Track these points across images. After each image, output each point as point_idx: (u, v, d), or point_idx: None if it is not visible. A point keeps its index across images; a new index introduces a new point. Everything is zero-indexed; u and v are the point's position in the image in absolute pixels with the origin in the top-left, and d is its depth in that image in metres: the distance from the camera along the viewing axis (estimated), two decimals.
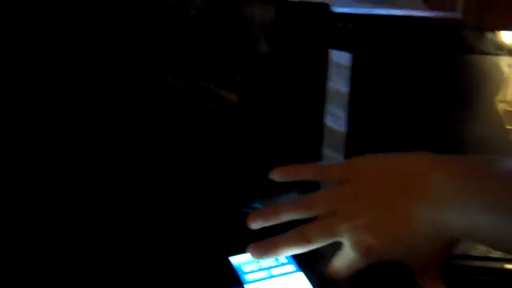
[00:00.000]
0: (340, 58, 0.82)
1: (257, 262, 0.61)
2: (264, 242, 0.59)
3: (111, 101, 0.83)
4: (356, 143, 0.77)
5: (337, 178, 0.61)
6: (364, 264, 0.58)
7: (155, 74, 0.85)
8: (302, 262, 0.62)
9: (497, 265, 0.71)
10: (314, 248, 0.58)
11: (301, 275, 0.60)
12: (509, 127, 0.81)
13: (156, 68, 0.85)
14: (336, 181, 0.61)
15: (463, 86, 0.82)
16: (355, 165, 0.61)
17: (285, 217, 0.60)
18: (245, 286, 0.59)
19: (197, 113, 0.84)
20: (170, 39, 0.84)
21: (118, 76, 0.83)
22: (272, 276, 0.60)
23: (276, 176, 0.64)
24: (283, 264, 0.62)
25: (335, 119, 0.81)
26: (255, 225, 0.60)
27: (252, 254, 0.59)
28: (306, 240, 0.57)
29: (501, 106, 0.81)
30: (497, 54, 0.81)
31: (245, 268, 0.61)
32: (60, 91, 0.80)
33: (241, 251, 0.62)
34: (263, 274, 0.60)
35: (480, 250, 0.72)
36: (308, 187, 0.66)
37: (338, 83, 0.82)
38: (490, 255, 0.72)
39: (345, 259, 0.58)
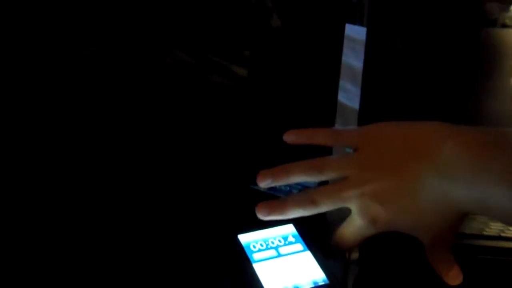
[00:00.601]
0: (354, 32, 0.81)
1: (265, 241, 0.61)
2: (272, 201, 0.59)
3: (124, 75, 0.82)
4: (369, 119, 0.76)
5: (350, 144, 0.61)
6: (370, 233, 0.58)
7: (166, 50, 0.84)
8: (310, 242, 0.61)
9: (510, 244, 0.70)
10: (321, 211, 0.58)
11: (308, 254, 0.60)
12: None
13: (167, 44, 0.84)
14: (348, 148, 0.61)
15: (481, 60, 0.80)
16: (368, 132, 0.60)
17: (295, 178, 0.60)
18: (253, 264, 0.58)
19: (208, 87, 0.83)
20: (181, 14, 0.83)
21: (131, 52, 0.83)
22: (280, 255, 0.60)
23: (290, 138, 0.63)
24: (291, 243, 0.61)
25: (348, 95, 0.80)
26: (264, 183, 0.60)
27: (259, 213, 0.58)
28: (313, 203, 0.57)
29: None
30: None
31: (253, 247, 0.60)
32: (72, 67, 0.80)
33: (250, 229, 0.61)
34: (271, 253, 0.60)
35: (493, 229, 0.71)
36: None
37: (352, 58, 0.81)
38: (503, 234, 0.71)
39: (352, 226, 0.58)
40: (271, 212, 0.59)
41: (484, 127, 0.55)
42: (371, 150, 0.58)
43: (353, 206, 0.57)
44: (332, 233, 0.61)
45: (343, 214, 0.58)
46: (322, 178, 0.59)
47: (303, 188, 0.68)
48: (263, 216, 0.59)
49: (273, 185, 0.60)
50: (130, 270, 0.66)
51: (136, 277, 0.65)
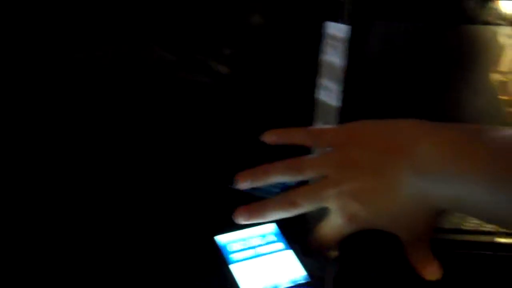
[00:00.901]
0: (335, 30, 0.81)
1: (243, 241, 0.61)
2: (250, 205, 0.59)
3: (104, 74, 0.82)
4: (349, 118, 0.76)
5: (328, 144, 0.60)
6: (348, 231, 0.58)
7: (148, 47, 0.84)
8: (290, 240, 0.61)
9: (488, 239, 0.70)
10: (301, 212, 0.58)
11: (289, 253, 0.60)
12: (503, 97, 0.80)
13: (149, 41, 0.84)
14: (327, 147, 0.60)
15: (461, 57, 0.80)
16: (347, 131, 0.60)
17: (274, 179, 0.60)
18: (230, 266, 0.59)
19: (189, 86, 0.83)
20: (162, 12, 0.83)
21: (113, 50, 0.83)
22: (259, 255, 0.60)
23: (268, 138, 0.63)
24: (272, 242, 0.61)
25: (328, 93, 0.80)
26: (244, 185, 0.60)
27: (239, 217, 0.58)
28: (292, 204, 0.57)
29: (495, 77, 0.79)
30: (498, 24, 0.79)
31: (230, 248, 0.60)
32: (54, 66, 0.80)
33: (227, 230, 0.61)
34: (250, 253, 0.60)
35: (471, 224, 0.71)
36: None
37: (333, 56, 0.81)
38: (481, 228, 0.71)
39: (330, 225, 0.58)
40: (251, 216, 0.59)
41: (462, 124, 0.55)
42: (349, 148, 0.58)
43: (332, 205, 0.57)
44: (312, 231, 0.61)
45: (322, 212, 0.59)
46: (301, 177, 0.59)
47: (282, 186, 0.68)
48: (243, 221, 0.59)
49: (252, 186, 0.60)
50: (107, 271, 0.66)
51: (112, 278, 0.65)
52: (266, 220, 0.59)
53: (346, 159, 0.58)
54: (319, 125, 0.78)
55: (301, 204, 0.57)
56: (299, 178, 0.59)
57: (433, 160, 0.53)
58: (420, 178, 0.53)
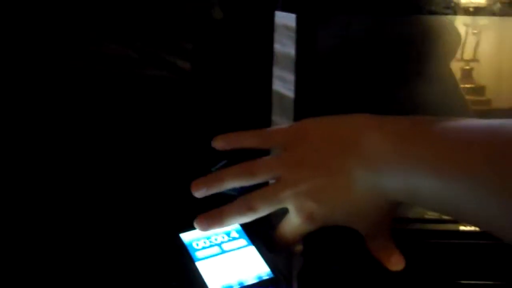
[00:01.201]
0: (285, 19, 0.80)
1: (208, 238, 0.60)
2: (209, 213, 0.59)
3: (59, 70, 0.80)
4: (305, 108, 0.76)
5: (279, 144, 0.60)
6: (308, 230, 0.58)
7: (108, 44, 0.82)
8: (253, 236, 0.60)
9: (452, 227, 0.70)
10: (260, 216, 0.58)
11: (252, 249, 0.59)
12: (468, 85, 0.80)
13: (109, 38, 0.82)
14: (278, 148, 0.60)
15: (417, 48, 0.80)
16: (298, 130, 0.60)
17: (229, 184, 0.60)
18: (196, 263, 0.57)
19: (149, 82, 0.82)
20: (122, 7, 0.81)
21: (69, 48, 0.81)
22: (223, 252, 0.59)
23: (218, 144, 0.63)
24: (234, 239, 0.60)
25: (286, 85, 0.79)
26: (199, 193, 0.60)
27: (198, 226, 0.59)
28: (251, 208, 0.58)
29: (458, 65, 0.80)
30: (447, 14, 0.79)
31: (195, 245, 0.59)
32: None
33: (192, 227, 0.60)
34: (215, 250, 0.59)
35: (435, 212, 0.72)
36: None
37: (288, 47, 0.80)
38: (444, 217, 0.71)
39: (290, 224, 0.58)
40: (209, 224, 0.59)
41: (410, 116, 0.55)
42: (300, 148, 0.58)
43: (289, 205, 0.57)
44: (273, 230, 0.61)
45: (284, 210, 0.58)
46: (256, 181, 0.59)
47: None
48: (203, 229, 0.59)
49: (207, 194, 0.60)
50: (72, 271, 0.64)
51: (76, 278, 0.64)
52: (226, 226, 0.60)
53: (297, 159, 0.58)
54: (277, 118, 0.78)
55: (259, 208, 0.58)
56: (254, 181, 0.59)
57: (381, 152, 0.53)
58: (370, 172, 0.54)
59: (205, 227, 0.59)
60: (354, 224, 0.58)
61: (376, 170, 0.53)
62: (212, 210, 0.59)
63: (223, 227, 0.60)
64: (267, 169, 0.59)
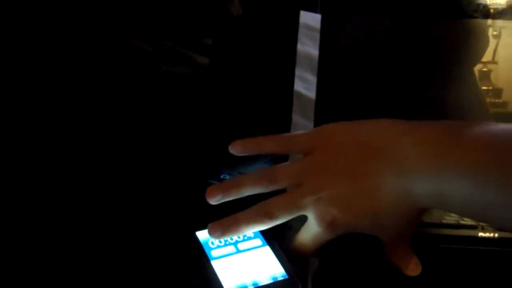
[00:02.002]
0: (310, 19, 0.80)
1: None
2: (224, 220, 0.58)
3: (79, 66, 0.80)
4: (327, 109, 0.75)
5: (301, 150, 0.59)
6: (329, 237, 0.56)
7: (126, 39, 0.82)
8: (269, 236, 0.60)
9: (469, 233, 0.70)
10: (278, 223, 0.57)
11: (267, 249, 0.59)
12: (485, 87, 0.80)
13: (127, 32, 0.82)
14: (298, 153, 0.59)
15: (442, 50, 0.79)
16: (320, 135, 0.59)
17: (246, 191, 0.59)
18: (211, 262, 0.57)
19: (168, 77, 0.82)
20: (140, 1, 0.81)
21: (87, 41, 0.81)
22: (239, 251, 0.59)
23: (235, 150, 0.62)
24: (250, 238, 0.60)
25: (307, 85, 0.79)
26: (214, 200, 0.59)
27: (212, 234, 0.58)
28: (268, 216, 0.56)
29: (476, 67, 0.79)
30: (475, 17, 0.78)
31: (211, 244, 0.59)
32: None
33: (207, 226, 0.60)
34: (230, 249, 0.59)
35: (452, 217, 0.71)
36: (278, 157, 0.64)
37: (310, 47, 0.80)
38: (463, 222, 0.71)
39: (310, 232, 0.57)
40: (224, 232, 0.58)
41: (438, 121, 0.54)
42: (323, 153, 0.57)
43: (309, 213, 0.56)
44: (291, 240, 0.60)
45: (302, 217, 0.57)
46: (275, 188, 0.58)
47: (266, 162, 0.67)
48: (217, 237, 0.58)
49: (223, 201, 0.59)
50: (85, 270, 0.64)
51: (91, 276, 0.64)
52: (242, 234, 0.59)
53: (320, 165, 0.57)
54: (298, 118, 0.77)
55: (278, 215, 0.56)
56: (272, 188, 0.58)
57: (413, 157, 0.52)
58: (401, 178, 0.52)
59: (219, 235, 0.58)
60: (377, 232, 0.56)
61: (407, 176, 0.52)
62: (226, 218, 0.58)
63: (238, 234, 0.59)
64: (288, 176, 0.58)
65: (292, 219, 0.57)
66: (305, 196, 0.55)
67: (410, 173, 0.52)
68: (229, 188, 0.59)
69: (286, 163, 0.60)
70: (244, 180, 0.59)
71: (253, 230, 0.58)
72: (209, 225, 0.58)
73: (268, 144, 0.61)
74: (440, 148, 0.51)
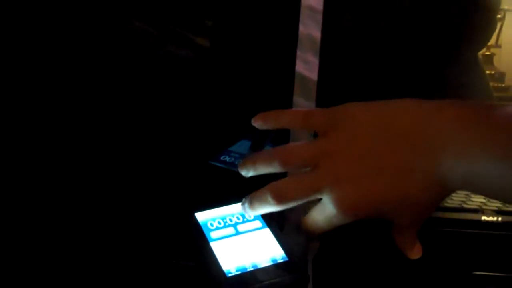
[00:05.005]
0: (312, 1, 0.78)
1: (223, 219, 0.59)
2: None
3: (82, 48, 0.79)
4: (328, 91, 0.74)
5: (317, 127, 0.57)
6: (346, 222, 0.54)
7: (129, 21, 0.82)
8: (269, 218, 0.59)
9: (473, 216, 0.69)
10: (293, 206, 0.55)
11: (267, 232, 0.58)
12: (488, 72, 0.78)
13: (130, 15, 0.81)
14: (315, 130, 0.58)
15: (446, 32, 0.78)
16: (339, 115, 0.56)
17: (261, 169, 0.57)
18: (210, 243, 0.56)
19: (169, 59, 0.81)
20: None
21: (91, 24, 0.80)
22: (238, 233, 0.58)
23: (257, 123, 0.60)
24: (249, 221, 0.59)
25: (309, 67, 0.78)
26: (245, 172, 0.59)
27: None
28: (282, 198, 0.55)
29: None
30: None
31: (210, 225, 0.58)
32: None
33: (208, 207, 0.59)
34: (229, 231, 0.58)
35: (454, 201, 0.71)
36: (278, 139, 0.63)
37: (312, 29, 0.78)
38: (466, 206, 0.70)
39: (324, 213, 0.55)
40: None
41: (467, 101, 0.52)
42: (343, 134, 0.55)
43: (326, 196, 0.53)
44: (301, 218, 0.58)
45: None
46: (290, 168, 0.56)
47: None
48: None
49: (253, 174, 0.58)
50: (85, 253, 0.64)
51: (93, 256, 0.64)
52: (254, 215, 0.58)
53: (339, 146, 0.54)
54: (299, 100, 0.76)
55: (293, 199, 0.54)
56: (287, 168, 0.56)
57: (442, 139, 0.50)
58: (428, 158, 0.51)
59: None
60: (397, 216, 0.54)
61: (436, 157, 0.50)
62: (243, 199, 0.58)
63: (250, 216, 0.58)
64: (303, 156, 0.55)
65: None
66: (323, 179, 0.53)
67: (439, 154, 0.50)
68: (244, 165, 0.58)
69: (301, 142, 0.58)
70: (258, 158, 0.57)
71: (265, 211, 0.57)
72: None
73: (285, 118, 0.60)
74: (471, 128, 0.49)
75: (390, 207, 0.53)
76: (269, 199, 0.55)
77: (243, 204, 0.58)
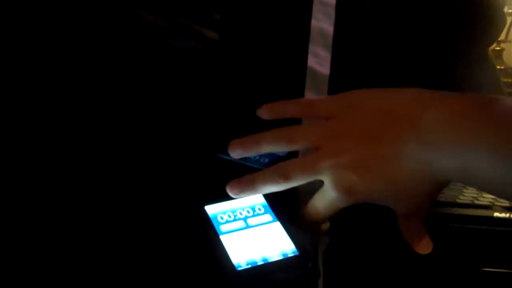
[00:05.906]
0: None
1: (233, 212, 0.59)
2: (242, 179, 0.58)
3: (91, 40, 0.79)
4: (340, 86, 0.74)
5: (323, 115, 0.58)
6: (343, 205, 0.56)
7: (138, 13, 0.81)
8: (279, 212, 0.59)
9: (484, 213, 0.69)
10: (293, 186, 0.56)
11: (277, 225, 0.58)
12: (497, 67, 0.78)
13: (139, 7, 0.81)
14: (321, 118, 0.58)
15: (459, 26, 0.78)
16: (344, 101, 0.58)
17: (265, 148, 0.58)
18: (220, 236, 0.56)
19: (177, 52, 0.81)
20: None
21: (96, 15, 0.80)
22: (248, 226, 0.58)
23: (264, 114, 0.61)
24: (259, 214, 0.59)
25: (320, 61, 0.78)
26: (235, 154, 0.59)
27: (230, 191, 0.58)
28: (285, 177, 0.56)
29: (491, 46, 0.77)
30: None
31: (220, 218, 0.58)
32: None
33: (218, 200, 0.59)
34: (239, 224, 0.58)
35: (467, 197, 0.70)
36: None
37: (323, 22, 0.78)
38: (477, 202, 0.70)
39: (324, 198, 0.57)
40: (242, 190, 0.58)
41: (463, 93, 0.53)
42: (346, 119, 0.56)
43: (326, 177, 0.55)
44: (303, 205, 0.59)
45: (313, 185, 0.57)
46: (294, 148, 0.58)
47: (273, 156, 0.66)
48: (234, 195, 0.58)
49: (243, 155, 0.60)
50: (93, 245, 0.64)
51: (101, 248, 0.64)
52: (258, 193, 0.59)
53: (342, 129, 0.56)
54: (310, 94, 0.76)
55: (294, 177, 0.56)
56: (291, 148, 0.58)
57: (439, 129, 0.51)
58: (424, 147, 0.51)
59: (236, 193, 0.58)
60: (394, 203, 0.56)
61: (431, 146, 0.51)
62: (245, 176, 0.58)
63: (255, 193, 0.59)
64: (307, 137, 0.57)
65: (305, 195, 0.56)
66: (323, 159, 0.55)
67: (434, 144, 0.51)
68: (249, 144, 0.59)
69: (307, 124, 0.60)
70: (263, 137, 0.59)
71: (269, 190, 0.58)
72: (227, 183, 0.58)
73: (292, 107, 0.61)
74: (468, 120, 0.50)
75: (386, 192, 0.55)
76: (276, 177, 0.56)
77: (239, 184, 0.59)
